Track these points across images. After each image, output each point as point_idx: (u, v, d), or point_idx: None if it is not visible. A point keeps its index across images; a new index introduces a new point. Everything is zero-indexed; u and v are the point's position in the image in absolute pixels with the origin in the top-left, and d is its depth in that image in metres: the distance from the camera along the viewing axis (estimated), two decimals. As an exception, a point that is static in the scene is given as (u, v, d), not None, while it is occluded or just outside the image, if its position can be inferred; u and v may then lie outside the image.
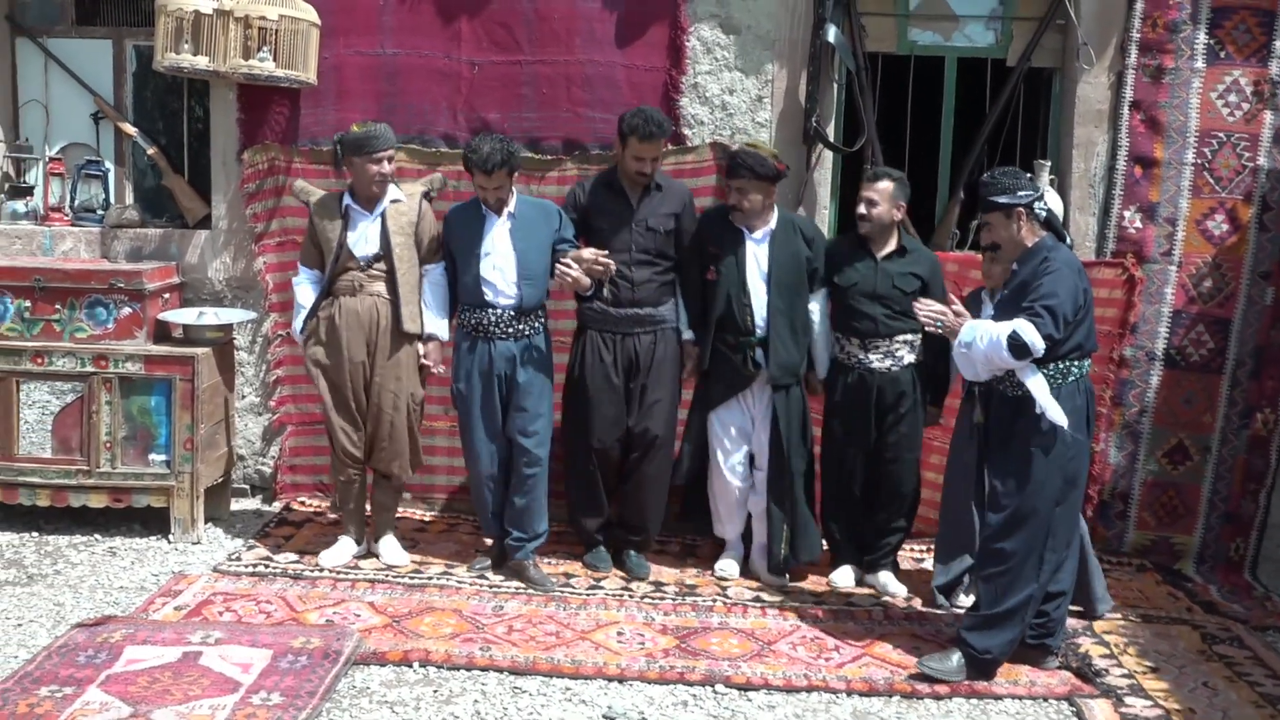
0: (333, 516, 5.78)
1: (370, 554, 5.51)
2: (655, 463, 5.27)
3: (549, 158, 5.89)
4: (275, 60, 5.68)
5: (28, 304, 5.65)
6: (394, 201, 5.19)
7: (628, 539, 5.42)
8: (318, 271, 5.24)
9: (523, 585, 5.19)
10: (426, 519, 6.11)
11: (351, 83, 6.01)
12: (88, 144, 6.54)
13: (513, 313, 5.08)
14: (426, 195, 5.32)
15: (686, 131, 5.90)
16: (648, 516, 5.38)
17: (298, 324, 5.30)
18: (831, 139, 5.87)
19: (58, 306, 5.64)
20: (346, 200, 5.19)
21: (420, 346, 5.27)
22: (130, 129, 6.39)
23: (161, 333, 5.77)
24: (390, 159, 5.10)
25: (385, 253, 5.13)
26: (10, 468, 5.65)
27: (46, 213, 6.45)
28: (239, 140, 6.10)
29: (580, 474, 5.33)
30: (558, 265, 5.01)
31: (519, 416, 5.13)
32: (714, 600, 5.09)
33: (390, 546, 5.46)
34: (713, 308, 5.14)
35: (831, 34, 5.68)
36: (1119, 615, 5.03)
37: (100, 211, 6.41)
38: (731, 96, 5.95)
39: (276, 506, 6.19)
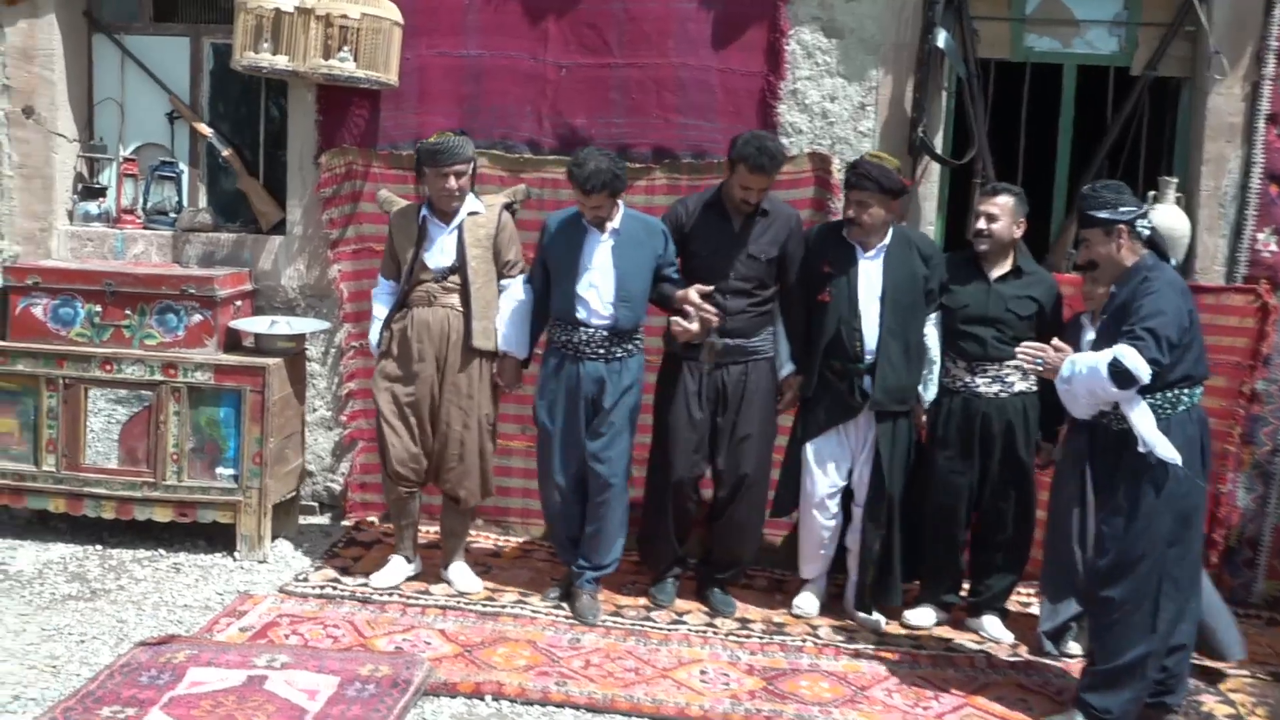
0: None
1: (435, 579, 5.56)
2: (746, 504, 5.22)
3: (638, 166, 5.88)
4: (356, 60, 5.74)
5: (98, 309, 5.75)
6: (472, 214, 5.23)
7: (715, 576, 5.41)
8: (395, 283, 5.32)
9: (601, 617, 5.20)
10: (500, 544, 6.14)
11: (434, 85, 6.07)
12: (162, 144, 6.65)
13: (606, 334, 5.08)
14: (509, 207, 5.36)
15: (784, 140, 5.88)
16: (740, 556, 5.36)
17: (373, 336, 5.36)
18: (939, 151, 5.82)
19: (128, 312, 5.74)
20: (424, 212, 5.25)
21: (495, 365, 5.30)
22: (206, 129, 6.50)
23: (232, 341, 5.84)
24: (460, 174, 5.12)
25: (460, 266, 5.18)
26: (77, 477, 5.76)
27: (119, 214, 6.54)
28: (316, 143, 6.19)
29: (656, 507, 5.32)
30: (672, 322, 5.01)
31: (596, 441, 5.13)
32: (803, 640, 5.06)
33: (461, 572, 5.47)
34: (821, 332, 5.10)
35: (941, 39, 5.65)
36: (1247, 672, 4.92)
37: (173, 214, 6.50)
38: (833, 104, 5.93)
39: (345, 525, 6.26)
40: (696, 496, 5.28)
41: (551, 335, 5.21)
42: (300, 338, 5.96)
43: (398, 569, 5.46)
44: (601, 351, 5.08)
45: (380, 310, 5.34)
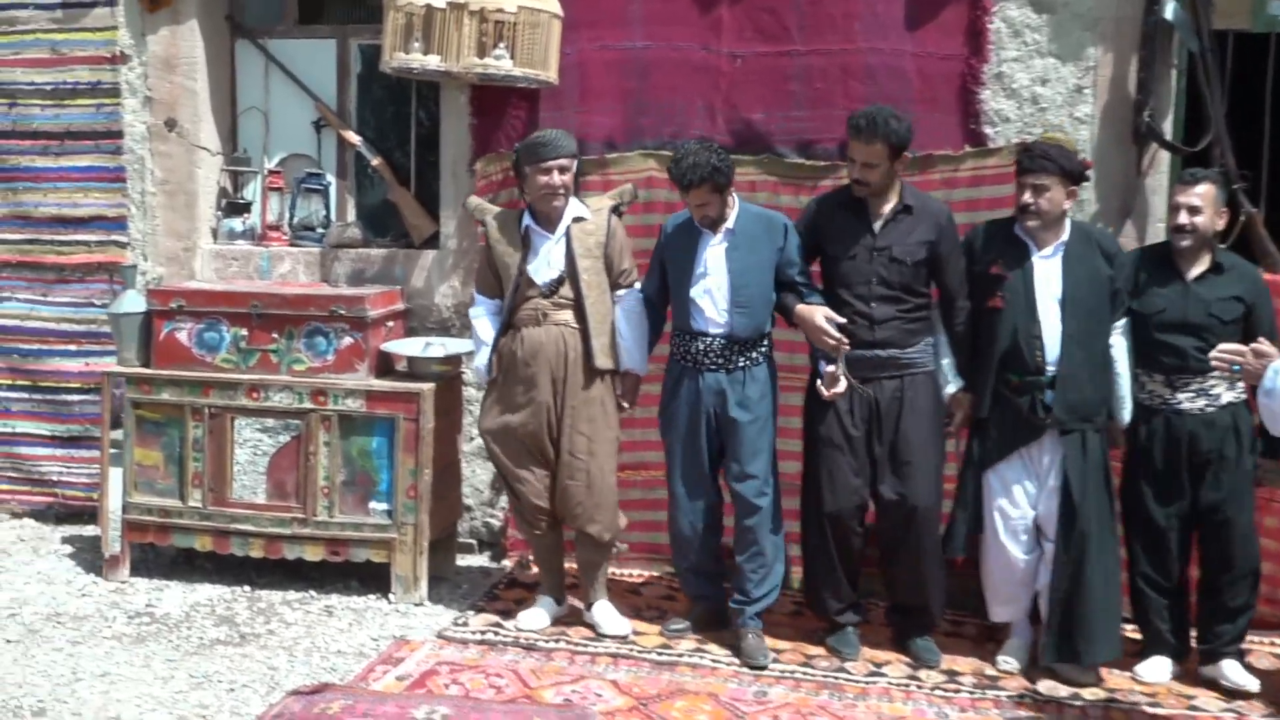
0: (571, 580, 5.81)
1: (581, 619, 5.54)
2: (921, 537, 5.12)
3: (822, 164, 5.83)
4: (513, 58, 5.75)
5: (244, 333, 5.84)
6: (577, 220, 5.24)
7: (908, 624, 5.32)
8: (498, 301, 5.34)
9: (789, 668, 5.13)
10: (644, 579, 6.12)
11: (596, 81, 6.09)
12: (308, 155, 6.77)
13: (723, 342, 5.11)
14: (615, 210, 5.36)
15: (988, 130, 5.77)
16: (927, 596, 5.24)
17: (480, 362, 5.38)
18: (1169, 137, 5.67)
19: (275, 335, 5.82)
20: (525, 220, 5.27)
21: (618, 384, 5.31)
22: (354, 137, 6.62)
23: (384, 366, 5.89)
24: (564, 169, 5.13)
25: (571, 278, 5.19)
26: (223, 513, 5.88)
27: (264, 231, 6.68)
28: (471, 149, 6.24)
29: (815, 545, 5.25)
30: (818, 381, 5.00)
31: (734, 459, 5.13)
32: (1020, 695, 4.93)
33: (605, 613, 5.44)
34: (994, 342, 5.00)
35: (1169, 10, 5.50)
36: None
37: (320, 230, 6.61)
38: (1043, 88, 5.79)
39: (506, 565, 6.29)
40: (861, 530, 5.20)
41: (672, 344, 5.26)
42: (456, 360, 5.98)
43: (544, 611, 5.48)
44: (721, 361, 5.11)
45: (485, 331, 5.37)
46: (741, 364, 5.13)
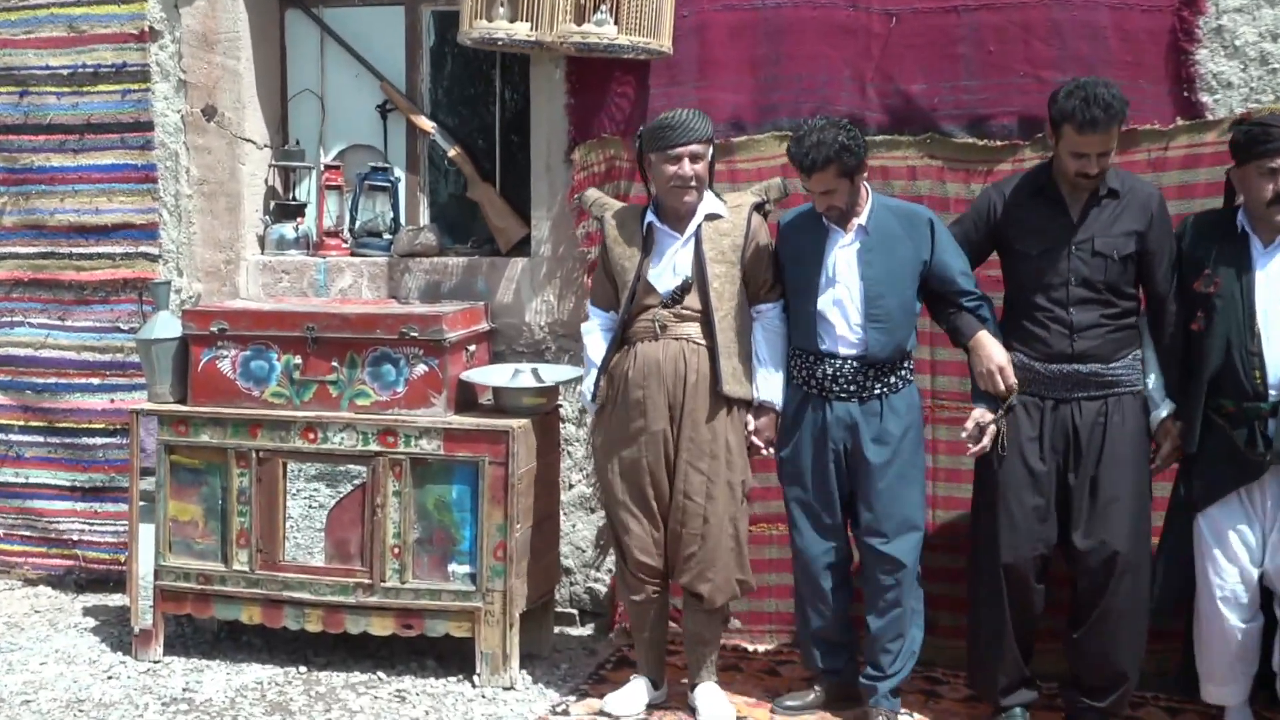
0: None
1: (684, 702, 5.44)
2: (1119, 595, 4.97)
3: (998, 144, 5.74)
4: (617, 23, 5.72)
5: (298, 361, 5.80)
6: (711, 217, 5.21)
7: (1089, 705, 5.14)
8: (613, 314, 5.37)
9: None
10: (782, 655, 6.02)
11: (718, 49, 6.02)
12: (373, 146, 6.78)
13: (855, 365, 5.05)
14: (759, 207, 5.31)
15: (1205, 99, 5.56)
16: (1119, 673, 5.06)
17: (588, 385, 5.38)
18: None
19: (334, 364, 5.78)
20: (650, 217, 5.25)
21: (749, 418, 5.25)
22: (427, 124, 6.57)
23: (465, 398, 5.84)
24: (697, 157, 5.10)
25: (699, 285, 5.17)
26: (274, 579, 5.82)
27: (320, 238, 6.68)
28: (568, 134, 6.21)
29: (984, 605, 5.16)
30: (970, 431, 4.97)
31: (867, 508, 5.08)
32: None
33: (711, 696, 5.34)
34: (1203, 360, 4.89)
35: None
36: None
37: (387, 235, 6.59)
38: (1275, 44, 5.57)
39: (614, 639, 6.21)
40: (1042, 587, 5.10)
41: (792, 368, 5.22)
42: (552, 391, 5.93)
43: (638, 693, 5.41)
44: (853, 389, 5.06)
45: (597, 349, 5.38)
46: (878, 391, 5.07)
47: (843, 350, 5.06)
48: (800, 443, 5.17)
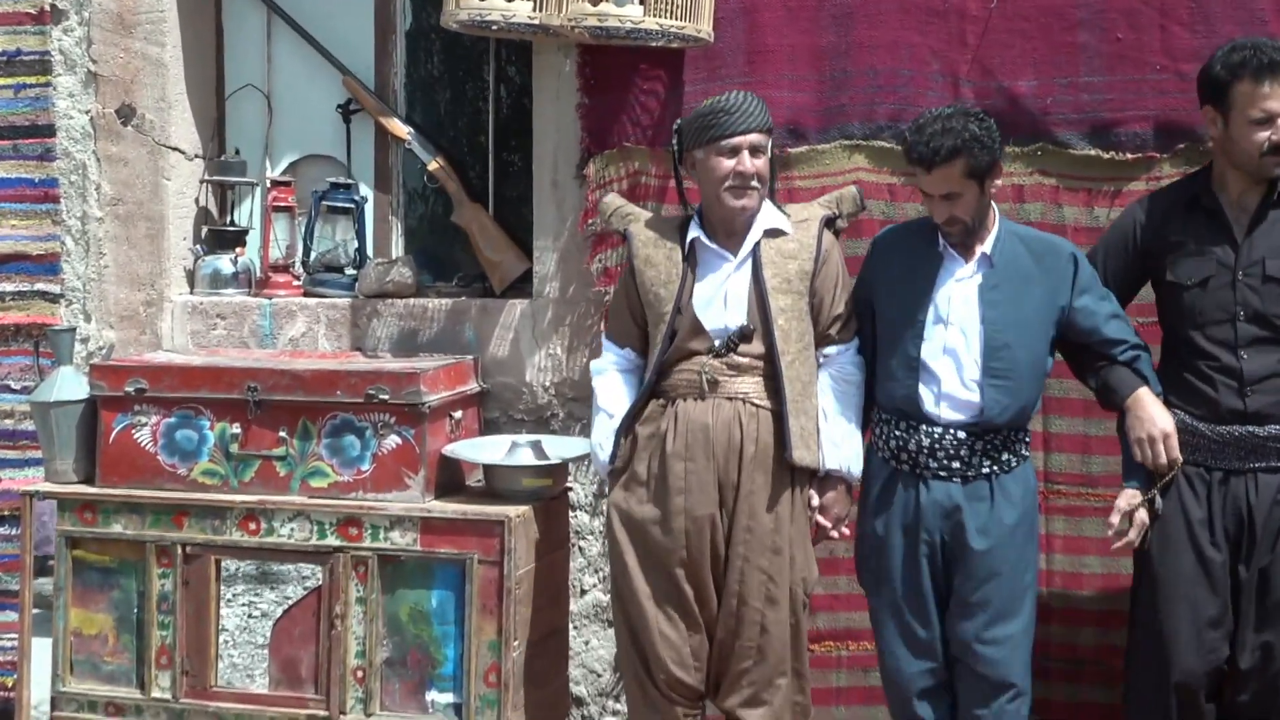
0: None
1: None
2: None
3: (1128, 157, 5.69)
4: (643, 2, 5.65)
5: (236, 430, 5.63)
6: (772, 233, 5.06)
7: None
8: (634, 355, 5.28)
9: None
10: None
11: (772, 36, 5.93)
12: (333, 156, 6.75)
13: (963, 434, 4.90)
14: (830, 223, 5.19)
15: None
16: None
17: (600, 439, 5.25)
18: None
19: (283, 434, 5.60)
20: (693, 232, 5.10)
21: (812, 492, 5.14)
22: (400, 128, 6.51)
23: (447, 479, 5.69)
24: (757, 149, 4.98)
25: (762, 323, 5.01)
26: (204, 710, 5.64)
27: (266, 274, 6.61)
28: (581, 143, 6.11)
29: None
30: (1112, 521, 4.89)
31: (969, 614, 4.96)
32: None
33: None
34: None
35: None
36: None
37: (351, 271, 6.54)
38: None
39: None
40: (1212, 706, 5.00)
41: (875, 435, 5.13)
42: (560, 471, 5.75)
43: None
44: (956, 465, 4.91)
45: (612, 399, 5.25)
46: (987, 469, 4.90)
47: (948, 413, 4.90)
48: (887, 532, 5.02)
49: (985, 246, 4.92)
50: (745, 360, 5.01)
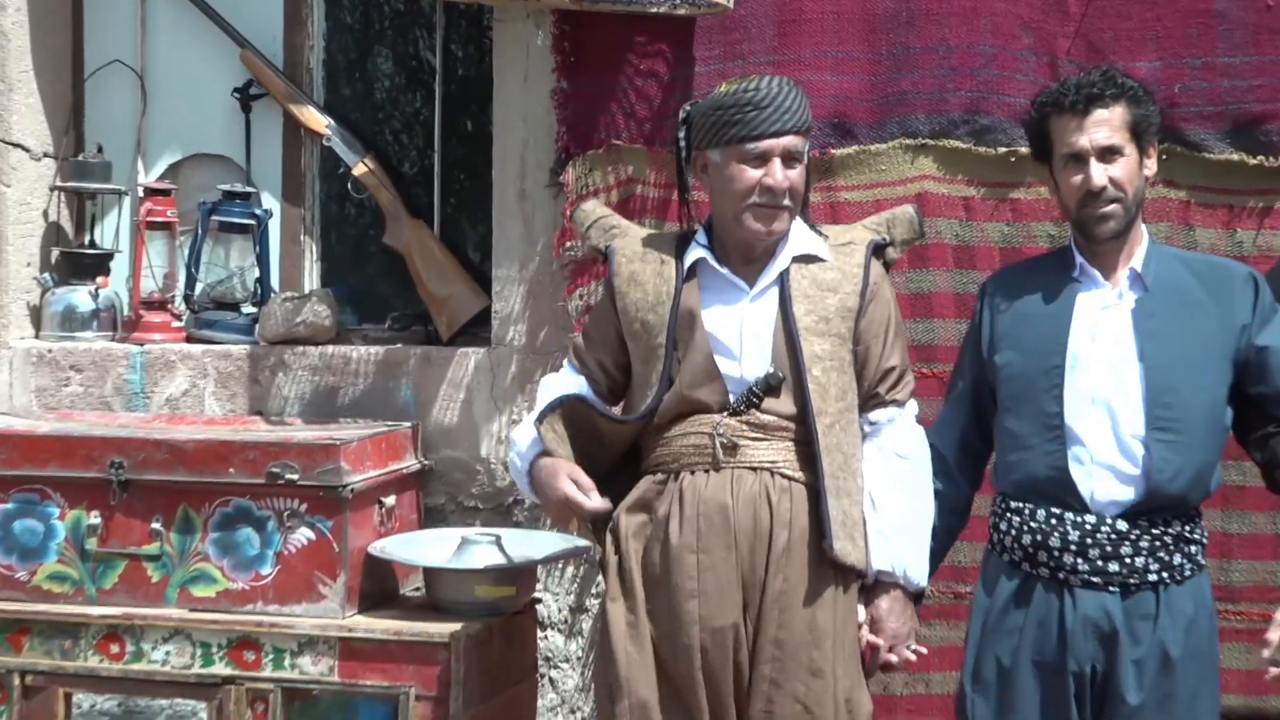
0: None
1: None
2: None
3: (1273, 164, 5.59)
4: None
5: (94, 520, 5.43)
6: (805, 259, 4.70)
7: None
8: (585, 379, 4.95)
9: None
10: None
11: (811, 2, 5.86)
12: (226, 156, 6.72)
13: (1127, 522, 4.49)
14: (880, 250, 4.86)
15: None
16: None
17: (519, 438, 4.86)
18: None
19: (156, 526, 5.41)
20: (698, 250, 4.74)
21: (860, 606, 4.78)
22: (318, 120, 6.45)
23: (376, 587, 5.57)
24: (793, 155, 4.60)
25: (794, 374, 4.61)
26: None
27: (136, 312, 6.58)
28: (557, 141, 6.04)
29: None
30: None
31: None
32: None
33: None
34: None
35: None
36: None
37: (250, 308, 6.57)
38: None
39: None
40: None
41: (995, 527, 4.75)
42: (526, 576, 5.56)
43: None
44: (1114, 568, 4.50)
45: (554, 389, 4.89)
46: (1152, 570, 4.50)
47: (1103, 490, 4.51)
48: (1014, 660, 4.64)
49: (1134, 261, 4.60)
50: (771, 419, 4.61)
